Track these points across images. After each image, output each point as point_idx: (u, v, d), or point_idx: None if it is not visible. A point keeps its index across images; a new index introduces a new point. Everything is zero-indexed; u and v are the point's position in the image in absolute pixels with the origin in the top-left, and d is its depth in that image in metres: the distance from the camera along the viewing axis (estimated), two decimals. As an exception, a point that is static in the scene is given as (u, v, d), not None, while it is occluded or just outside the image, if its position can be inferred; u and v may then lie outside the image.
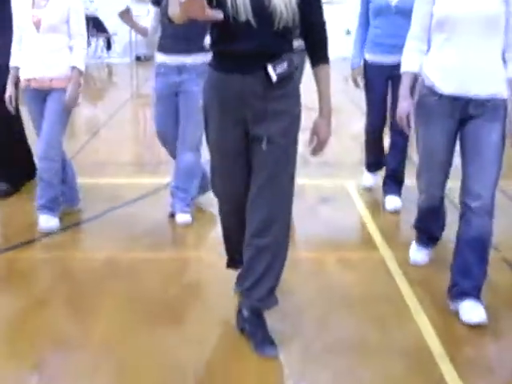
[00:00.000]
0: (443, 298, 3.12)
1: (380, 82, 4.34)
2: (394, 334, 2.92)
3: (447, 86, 2.90)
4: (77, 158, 5.33)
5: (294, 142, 2.58)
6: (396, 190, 4.46)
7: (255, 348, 2.68)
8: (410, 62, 3.03)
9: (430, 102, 2.95)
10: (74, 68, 3.80)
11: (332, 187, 4.96)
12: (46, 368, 2.62)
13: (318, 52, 2.58)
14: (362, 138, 4.70)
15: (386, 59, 4.21)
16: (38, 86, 3.81)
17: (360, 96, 4.76)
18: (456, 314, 2.99)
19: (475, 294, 2.94)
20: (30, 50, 3.80)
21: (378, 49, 4.29)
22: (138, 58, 12.64)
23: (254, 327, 2.74)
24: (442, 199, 3.29)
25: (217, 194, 2.80)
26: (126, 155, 6.18)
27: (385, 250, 3.80)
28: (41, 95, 3.84)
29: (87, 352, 2.72)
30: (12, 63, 3.92)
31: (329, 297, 3.28)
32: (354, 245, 3.99)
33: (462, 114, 2.93)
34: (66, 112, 3.85)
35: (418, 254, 3.57)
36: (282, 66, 2.42)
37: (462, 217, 3.01)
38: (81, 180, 4.30)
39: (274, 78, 2.41)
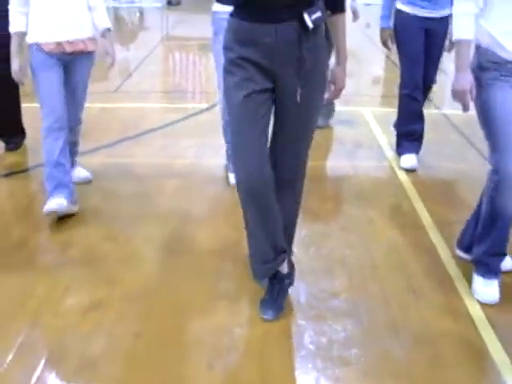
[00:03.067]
0: (441, 192, 3.86)
1: (419, 34, 4.09)
2: (396, 217, 3.64)
3: None
4: (121, 88, 6.01)
5: (323, 90, 2.56)
6: (413, 149, 4.37)
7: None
8: (464, 28, 2.59)
9: (506, 67, 2.58)
10: (108, 30, 3.63)
11: (351, 112, 5.61)
12: (119, 240, 3.35)
13: (334, 0, 2.49)
14: (382, 77, 5.10)
15: (424, 12, 4.07)
16: (72, 49, 3.47)
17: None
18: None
19: None
20: (53, 10, 3.41)
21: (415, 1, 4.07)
22: (169, 3, 13.15)
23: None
24: None
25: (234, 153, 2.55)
26: (159, 87, 6.88)
27: (394, 161, 4.47)
28: (64, 61, 3.49)
29: (150, 231, 3.46)
30: (15, 28, 3.42)
31: (343, 193, 4.02)
32: (367, 156, 4.65)
33: None
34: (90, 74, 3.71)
35: (486, 289, 2.84)
36: (317, 14, 2.36)
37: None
38: (128, 105, 4.94)
39: (311, 25, 2.34)
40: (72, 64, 3.53)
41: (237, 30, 2.41)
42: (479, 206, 2.92)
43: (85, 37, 3.51)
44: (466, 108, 2.67)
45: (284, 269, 2.73)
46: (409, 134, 4.38)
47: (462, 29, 2.60)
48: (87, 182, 4.00)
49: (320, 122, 4.91)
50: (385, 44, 4.34)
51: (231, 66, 2.42)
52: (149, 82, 6.79)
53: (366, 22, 8.58)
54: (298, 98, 2.42)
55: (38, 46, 3.41)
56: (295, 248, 3.02)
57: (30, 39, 3.44)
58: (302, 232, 3.37)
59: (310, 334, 2.57)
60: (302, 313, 2.71)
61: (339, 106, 5.38)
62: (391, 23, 4.26)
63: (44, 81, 3.44)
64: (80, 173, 4.01)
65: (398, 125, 4.47)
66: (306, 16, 2.33)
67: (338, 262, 3.13)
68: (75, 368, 2.35)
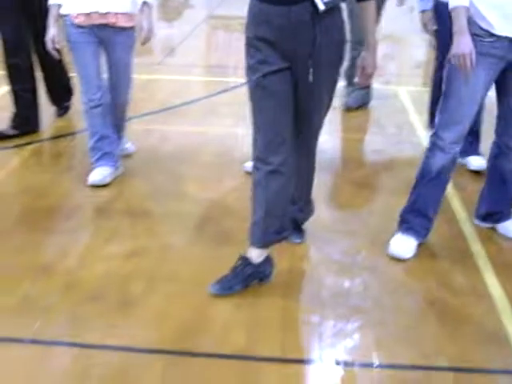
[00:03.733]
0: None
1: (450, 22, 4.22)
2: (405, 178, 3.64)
3: (506, 27, 2.66)
4: (164, 62, 6.32)
5: (338, 71, 2.65)
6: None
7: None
8: None
9: (484, 43, 2.69)
10: (145, 3, 3.52)
11: (387, 91, 5.75)
12: (159, 198, 3.63)
13: None
14: (422, 60, 5.15)
15: None
16: (102, 21, 3.46)
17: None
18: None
19: None
20: None
21: None
22: (213, -18, 13.32)
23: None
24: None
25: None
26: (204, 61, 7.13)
27: (424, 139, 4.60)
28: (97, 36, 3.52)
29: (186, 195, 3.68)
30: (53, 0, 3.54)
31: (371, 165, 4.22)
32: (398, 133, 4.78)
33: None
34: (133, 50, 3.70)
35: (400, 244, 3.04)
36: None
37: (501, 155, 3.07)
38: (171, 77, 5.24)
39: (322, 7, 2.41)
40: (108, 41, 3.53)
41: (255, 11, 2.52)
42: (489, 170, 3.13)
43: (118, 11, 3.45)
44: (466, 72, 2.67)
45: (256, 258, 2.69)
46: None
47: None
48: (129, 155, 4.07)
49: (351, 102, 5.10)
50: (425, 26, 4.39)
51: (249, 47, 2.55)
52: (192, 56, 7.04)
53: (409, 5, 8.62)
54: (311, 78, 2.50)
55: (70, 20, 3.49)
56: (320, 212, 3.23)
57: (63, 10, 3.52)
58: (328, 199, 3.58)
59: (329, 284, 2.79)
60: (324, 265, 2.93)
61: (376, 84, 5.49)
62: (430, 5, 4.28)
63: (78, 60, 3.55)
64: (124, 145, 4.04)
65: (431, 103, 4.59)
66: None
67: (362, 226, 3.32)
68: (116, 305, 2.61)
